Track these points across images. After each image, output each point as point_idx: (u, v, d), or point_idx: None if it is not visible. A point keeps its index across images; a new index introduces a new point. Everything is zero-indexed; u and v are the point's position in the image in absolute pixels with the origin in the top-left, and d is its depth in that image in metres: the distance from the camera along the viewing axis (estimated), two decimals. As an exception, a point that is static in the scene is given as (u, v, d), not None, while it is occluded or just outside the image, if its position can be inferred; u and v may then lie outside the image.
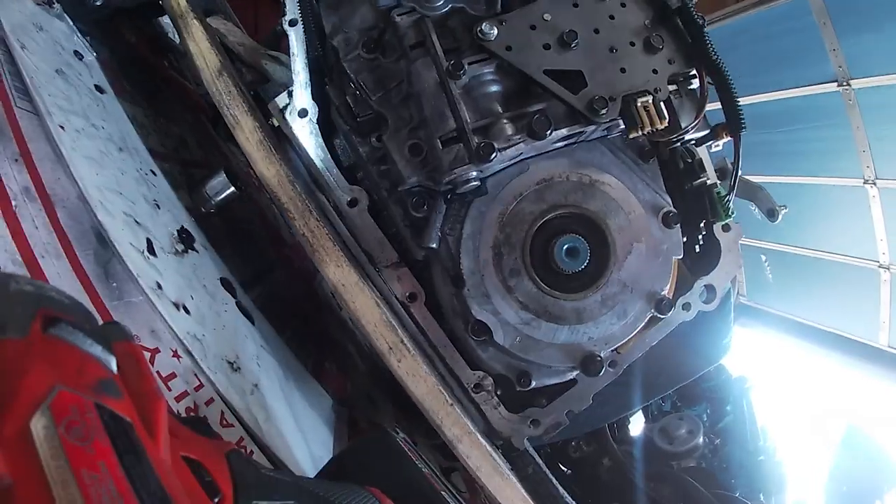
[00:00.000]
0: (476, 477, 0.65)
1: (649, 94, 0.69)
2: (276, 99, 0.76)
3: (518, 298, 0.71)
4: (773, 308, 2.91)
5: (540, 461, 0.77)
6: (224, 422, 0.53)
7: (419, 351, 0.67)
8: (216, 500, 0.29)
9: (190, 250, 0.68)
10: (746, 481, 1.60)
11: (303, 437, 0.63)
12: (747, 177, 0.98)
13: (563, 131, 0.67)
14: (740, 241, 0.81)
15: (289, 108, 0.75)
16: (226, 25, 0.81)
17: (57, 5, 0.71)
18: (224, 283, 0.71)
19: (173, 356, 0.53)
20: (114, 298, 0.51)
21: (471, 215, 0.70)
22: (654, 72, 0.72)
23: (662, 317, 0.73)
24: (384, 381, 0.83)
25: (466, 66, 0.66)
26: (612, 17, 0.73)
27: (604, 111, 0.66)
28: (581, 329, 0.72)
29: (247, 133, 0.65)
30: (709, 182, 0.77)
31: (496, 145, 0.65)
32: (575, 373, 0.75)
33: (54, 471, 0.20)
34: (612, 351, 0.76)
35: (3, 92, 0.53)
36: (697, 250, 0.83)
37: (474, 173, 0.66)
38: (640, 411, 1.86)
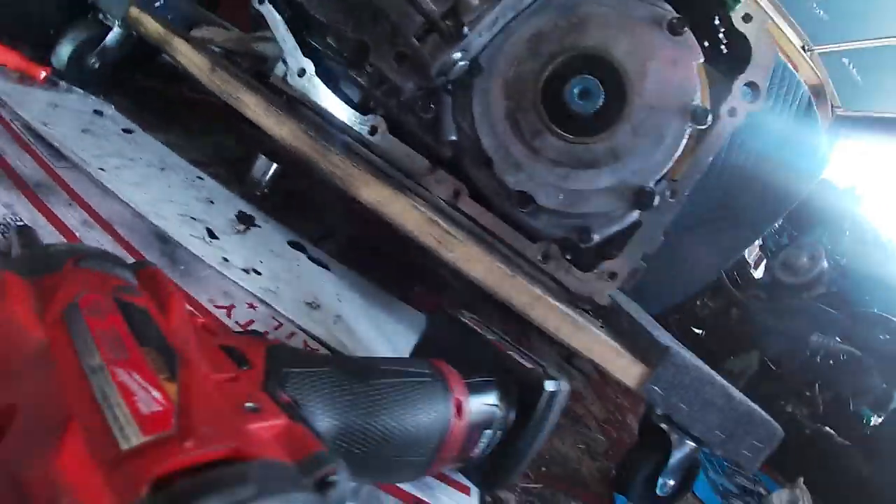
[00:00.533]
0: (561, 339, 0.67)
1: None
2: (275, 71, 0.82)
3: (548, 157, 0.71)
4: (872, 110, 2.62)
5: (632, 312, 0.77)
6: (308, 347, 0.60)
7: (472, 238, 0.70)
8: (244, 367, 0.34)
9: (251, 227, 0.76)
10: (883, 294, 1.52)
11: (393, 348, 0.69)
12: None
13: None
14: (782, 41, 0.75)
15: (287, 74, 0.80)
16: (209, 30, 0.89)
17: (62, 82, 0.82)
18: (292, 244, 0.79)
19: (248, 308, 0.60)
20: (183, 276, 0.59)
21: (476, 96, 0.72)
22: None
23: (703, 127, 0.70)
24: (474, 289, 0.87)
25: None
26: None
27: None
28: (620, 166, 0.71)
29: (252, 107, 0.71)
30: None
31: (464, 20, 0.66)
32: (635, 213, 0.74)
33: (76, 332, 0.26)
34: (664, 180, 0.74)
35: (41, 161, 0.63)
36: (724, 51, 0.79)
37: (458, 55, 0.68)
38: (760, 251, 1.79)
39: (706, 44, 0.76)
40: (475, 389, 0.49)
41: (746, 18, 0.71)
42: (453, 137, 0.72)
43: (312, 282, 0.73)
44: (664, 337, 0.71)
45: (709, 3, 0.72)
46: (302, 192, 0.93)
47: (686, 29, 0.69)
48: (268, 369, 0.35)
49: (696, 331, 1.63)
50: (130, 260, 0.37)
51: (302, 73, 0.78)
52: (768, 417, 0.65)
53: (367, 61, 0.70)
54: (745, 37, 0.72)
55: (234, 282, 0.63)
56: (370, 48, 0.69)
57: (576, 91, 0.68)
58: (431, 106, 0.71)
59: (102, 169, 0.68)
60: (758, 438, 0.66)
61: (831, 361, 1.39)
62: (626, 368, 0.67)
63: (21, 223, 0.52)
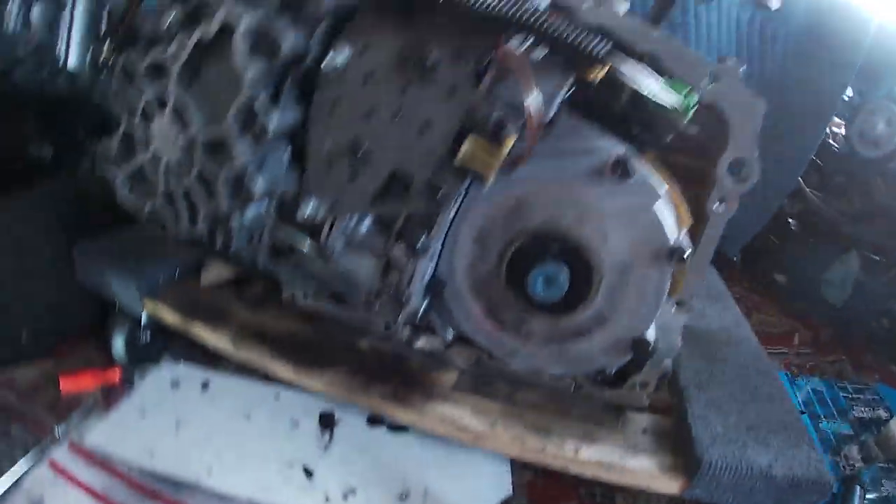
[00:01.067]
0: (598, 479, 0.73)
1: (471, 124, 0.60)
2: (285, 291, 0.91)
3: (539, 338, 0.74)
4: None
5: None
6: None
7: (504, 410, 0.77)
8: None
9: (333, 429, 0.92)
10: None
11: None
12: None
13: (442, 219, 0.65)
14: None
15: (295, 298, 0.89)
16: (215, 268, 0.99)
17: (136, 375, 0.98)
18: (370, 420, 0.93)
19: None
20: None
21: (453, 307, 0.75)
22: (453, 91, 0.62)
23: (686, 257, 0.66)
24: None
25: (326, 245, 0.69)
26: (367, 82, 0.64)
27: (443, 191, 0.62)
28: (610, 327, 0.71)
29: (282, 373, 0.83)
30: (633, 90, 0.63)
31: (405, 278, 0.68)
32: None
33: None
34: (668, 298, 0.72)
35: (167, 499, 0.81)
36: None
37: (413, 300, 0.71)
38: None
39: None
40: None
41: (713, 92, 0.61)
42: (450, 338, 0.77)
43: (396, 461, 0.88)
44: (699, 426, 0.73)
45: (661, 125, 0.63)
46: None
47: (635, 168, 0.62)
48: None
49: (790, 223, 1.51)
50: None
51: (305, 297, 0.86)
52: (814, 472, 0.70)
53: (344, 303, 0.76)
54: (718, 126, 0.64)
55: None
56: (345, 301, 0.75)
57: (539, 283, 0.68)
58: (421, 325, 0.76)
59: (210, 472, 0.84)
60: (810, 495, 0.71)
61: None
62: (668, 486, 0.74)
63: None
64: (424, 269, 0.67)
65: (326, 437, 0.89)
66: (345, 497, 0.80)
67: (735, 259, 1.52)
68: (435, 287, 0.71)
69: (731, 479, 0.69)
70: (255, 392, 0.98)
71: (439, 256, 0.70)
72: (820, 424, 1.12)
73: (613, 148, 0.62)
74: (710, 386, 0.80)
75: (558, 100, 0.56)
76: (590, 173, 0.63)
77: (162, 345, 1.03)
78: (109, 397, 0.97)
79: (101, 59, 1.00)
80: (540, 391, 0.81)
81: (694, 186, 0.66)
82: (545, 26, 0.55)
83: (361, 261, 0.67)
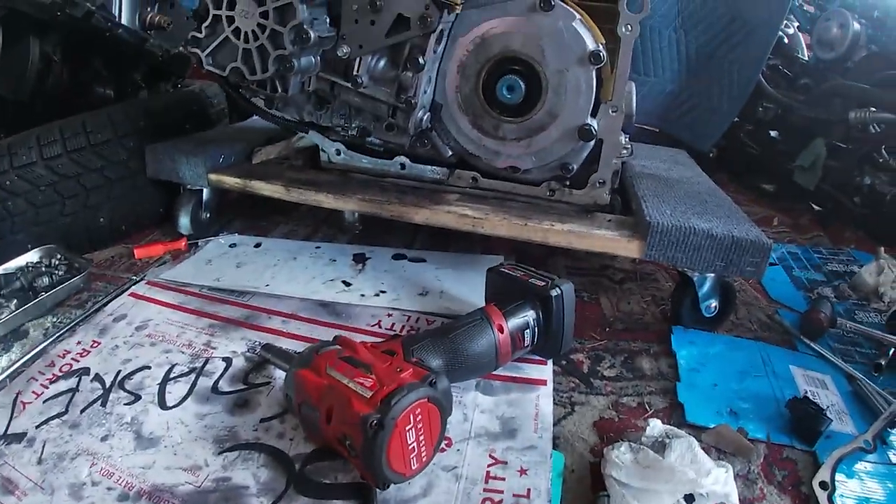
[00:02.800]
0: (576, 249, 1.08)
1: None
2: (322, 158, 1.26)
3: (511, 138, 1.14)
4: None
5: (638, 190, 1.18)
6: (428, 323, 1.08)
7: (495, 209, 1.12)
8: (393, 356, 0.83)
9: (365, 262, 1.24)
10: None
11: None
12: None
13: (429, 48, 1.05)
14: None
15: (329, 157, 1.24)
16: (263, 151, 1.35)
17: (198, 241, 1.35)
18: (395, 257, 1.27)
19: (388, 316, 1.13)
20: (346, 319, 1.12)
21: (446, 122, 1.17)
22: None
23: (603, 63, 1.05)
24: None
25: (357, 75, 1.06)
26: None
27: (430, 19, 1.02)
28: (560, 120, 1.13)
29: (326, 201, 1.17)
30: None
31: (410, 95, 1.05)
32: (590, 144, 1.12)
33: (334, 375, 0.76)
34: (602, 104, 1.09)
35: (234, 303, 1.16)
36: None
37: (420, 113, 1.07)
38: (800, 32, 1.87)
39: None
40: (511, 313, 0.97)
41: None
42: (450, 152, 1.12)
43: (417, 276, 1.27)
44: (659, 205, 1.11)
45: None
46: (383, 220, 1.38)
47: (553, 3, 1.03)
48: (404, 352, 0.87)
49: (772, 133, 1.86)
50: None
51: (337, 153, 1.21)
52: (753, 235, 0.99)
53: (369, 136, 1.11)
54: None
55: (372, 306, 1.12)
56: (370, 131, 1.09)
57: (504, 90, 1.06)
58: (426, 141, 1.11)
59: (267, 284, 1.19)
60: (752, 255, 1.00)
61: (875, 129, 1.60)
62: (628, 248, 1.08)
63: (261, 343, 1.02)
64: (425, 87, 1.03)
65: (360, 265, 1.21)
66: (376, 294, 1.16)
67: (711, 155, 1.86)
68: (434, 109, 1.10)
69: (678, 238, 1.03)
70: (298, 246, 1.35)
71: (435, 85, 1.06)
72: (793, 272, 1.41)
73: None
74: (664, 195, 1.19)
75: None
76: (525, 10, 1.01)
77: (218, 225, 1.36)
78: (178, 259, 1.35)
79: (147, 21, 1.37)
80: (523, 202, 1.15)
81: (610, 23, 1.09)
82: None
83: (381, 88, 1.04)
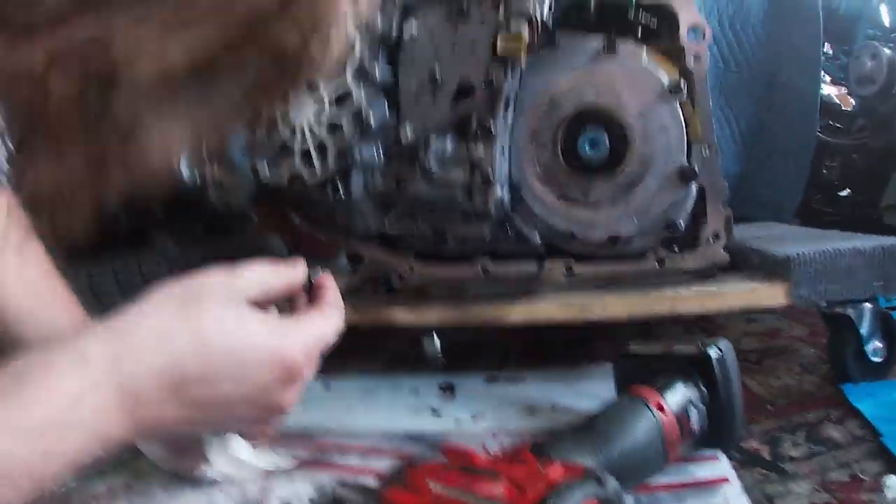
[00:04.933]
0: (709, 313, 0.90)
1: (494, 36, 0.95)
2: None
3: (606, 204, 1.00)
4: None
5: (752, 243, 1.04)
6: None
7: (602, 292, 0.95)
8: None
9: (453, 389, 1.07)
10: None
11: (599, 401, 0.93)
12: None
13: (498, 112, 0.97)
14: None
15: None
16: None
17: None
18: (487, 379, 1.08)
19: (492, 437, 0.91)
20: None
21: (528, 199, 1.03)
22: (481, 22, 0.97)
23: (684, 92, 0.96)
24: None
25: (426, 160, 0.98)
26: (432, 34, 1.01)
27: (494, 85, 0.95)
28: (655, 169, 0.99)
29: (400, 317, 1.02)
30: None
31: (486, 172, 0.95)
32: (691, 186, 0.97)
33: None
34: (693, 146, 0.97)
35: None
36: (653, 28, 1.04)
37: (499, 190, 0.96)
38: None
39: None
40: (665, 388, 0.75)
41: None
42: (538, 237, 0.99)
43: (519, 395, 1.07)
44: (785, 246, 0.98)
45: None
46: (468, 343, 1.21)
47: (616, 45, 0.98)
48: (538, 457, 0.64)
49: (843, 193, 1.84)
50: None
51: (410, 268, 1.08)
52: None
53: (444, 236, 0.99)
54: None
55: (471, 432, 0.93)
56: (444, 229, 0.99)
57: (587, 147, 0.98)
58: (509, 230, 1.00)
59: (340, 421, 0.99)
60: None
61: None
62: (772, 295, 0.94)
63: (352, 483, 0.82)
64: (500, 160, 0.94)
65: (448, 393, 1.04)
66: (473, 417, 0.95)
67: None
68: (513, 189, 0.98)
69: (824, 265, 0.91)
70: (374, 382, 1.17)
71: (510, 161, 0.97)
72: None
73: (596, 40, 1.01)
74: (780, 240, 1.08)
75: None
76: (589, 60, 0.95)
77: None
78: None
79: (206, 176, 1.37)
80: (629, 283, 1.00)
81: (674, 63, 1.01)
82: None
83: (452, 170, 0.95)
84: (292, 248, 1.65)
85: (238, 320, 0.58)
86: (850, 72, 1.80)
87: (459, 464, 0.64)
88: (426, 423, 0.99)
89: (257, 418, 0.62)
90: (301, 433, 1.00)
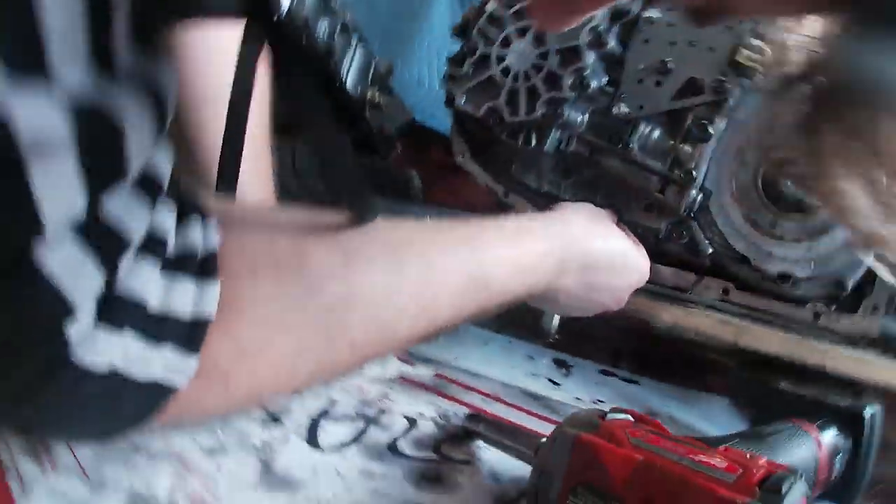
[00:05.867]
0: (855, 378, 0.90)
1: (738, 45, 0.96)
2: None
3: (790, 238, 0.99)
4: None
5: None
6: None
7: (755, 322, 0.94)
8: None
9: (569, 368, 1.05)
10: None
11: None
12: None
13: (719, 121, 0.97)
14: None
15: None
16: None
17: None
18: (603, 372, 1.06)
19: None
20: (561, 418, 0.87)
21: (715, 213, 1.01)
22: (729, 28, 0.98)
23: None
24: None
25: (630, 139, 0.97)
26: (670, 25, 1.01)
27: (726, 84, 0.96)
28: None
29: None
30: None
31: (689, 167, 0.94)
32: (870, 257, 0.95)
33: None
34: None
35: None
36: None
37: (695, 192, 0.95)
38: None
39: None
40: (822, 427, 0.74)
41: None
42: (710, 249, 0.97)
43: (636, 397, 1.07)
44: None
45: None
46: (587, 328, 1.20)
47: None
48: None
49: None
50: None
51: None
52: None
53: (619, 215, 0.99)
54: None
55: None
56: (619, 209, 0.97)
57: (791, 184, 0.92)
58: (684, 233, 0.97)
59: (457, 358, 1.00)
60: None
61: None
62: None
63: (469, 412, 0.82)
64: (704, 164, 0.93)
65: (564, 371, 1.04)
66: (594, 402, 0.94)
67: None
68: (704, 195, 0.96)
69: None
70: (488, 336, 1.20)
71: (707, 169, 0.96)
72: None
73: None
74: None
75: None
76: None
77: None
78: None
79: (366, 96, 1.39)
80: (780, 325, 0.98)
81: None
82: None
83: (654, 160, 0.95)
84: (425, 187, 1.68)
85: (623, 238, 0.87)
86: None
87: (651, 429, 0.63)
88: (546, 390, 1.00)
89: (606, 307, 0.87)
90: (426, 360, 1.02)
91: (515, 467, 0.76)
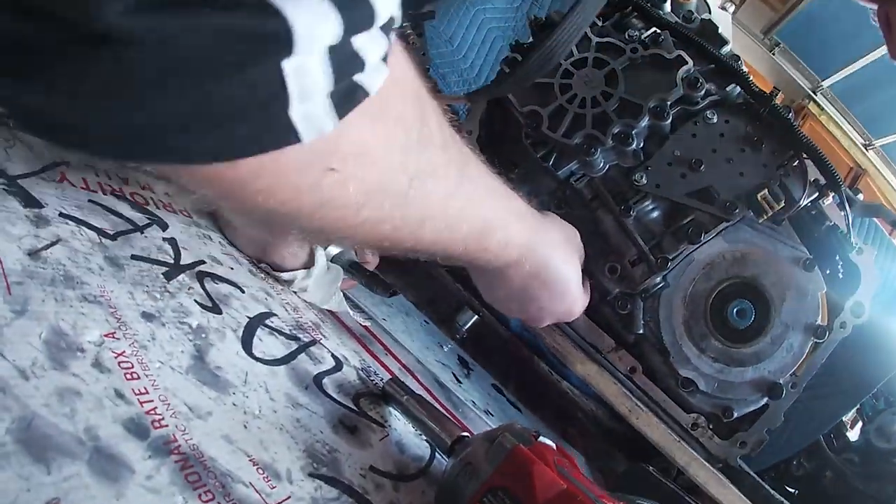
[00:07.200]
0: (708, 493, 0.99)
1: (765, 185, 1.03)
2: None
3: (710, 355, 1.07)
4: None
5: (752, 473, 1.10)
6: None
7: (647, 408, 1.03)
8: None
9: (470, 371, 1.09)
10: None
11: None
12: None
13: (712, 233, 1.02)
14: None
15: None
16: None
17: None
18: (494, 387, 1.11)
19: None
20: (461, 417, 0.91)
21: (662, 304, 1.09)
22: (764, 165, 1.07)
23: (822, 341, 1.05)
24: (615, 437, 1.18)
25: (632, 206, 1.02)
26: (722, 135, 1.10)
27: (737, 210, 1.02)
28: (761, 366, 1.08)
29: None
30: (831, 225, 1.08)
31: (669, 256, 1.01)
32: (765, 399, 1.08)
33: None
34: (791, 375, 1.07)
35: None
36: (841, 277, 1.13)
37: (658, 279, 1.03)
38: (857, 413, 2.08)
39: (828, 271, 1.10)
40: None
41: (859, 252, 1.06)
42: (640, 331, 1.05)
43: (521, 422, 1.05)
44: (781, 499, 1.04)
45: (836, 246, 1.06)
46: (490, 340, 1.25)
47: (816, 267, 1.04)
48: None
49: (791, 490, 1.89)
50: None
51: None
52: None
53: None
54: (858, 267, 1.10)
55: (486, 423, 0.94)
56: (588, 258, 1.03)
57: (735, 310, 1.05)
58: (626, 304, 1.05)
59: (385, 319, 1.00)
60: None
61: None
62: None
63: (392, 377, 0.83)
64: (680, 259, 1.01)
65: (465, 371, 1.09)
66: (485, 412, 1.02)
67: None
68: (663, 285, 1.04)
69: None
70: (409, 306, 1.24)
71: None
72: None
73: (805, 253, 1.12)
74: None
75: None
76: (790, 260, 1.05)
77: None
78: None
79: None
80: (662, 416, 1.09)
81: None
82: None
83: (642, 235, 1.03)
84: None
85: (577, 273, 0.94)
86: (877, 419, 1.85)
87: (570, 464, 0.64)
88: (451, 383, 1.02)
89: (525, 316, 0.94)
90: (359, 309, 1.01)
91: (418, 445, 0.78)
